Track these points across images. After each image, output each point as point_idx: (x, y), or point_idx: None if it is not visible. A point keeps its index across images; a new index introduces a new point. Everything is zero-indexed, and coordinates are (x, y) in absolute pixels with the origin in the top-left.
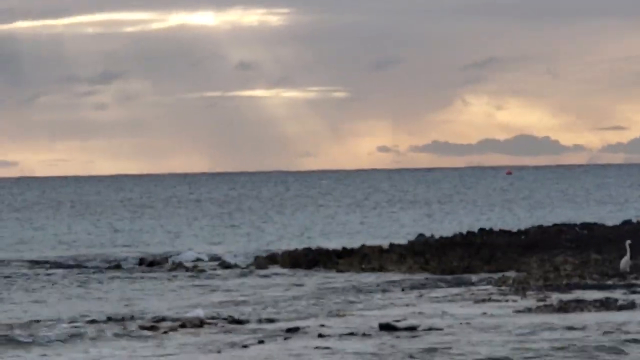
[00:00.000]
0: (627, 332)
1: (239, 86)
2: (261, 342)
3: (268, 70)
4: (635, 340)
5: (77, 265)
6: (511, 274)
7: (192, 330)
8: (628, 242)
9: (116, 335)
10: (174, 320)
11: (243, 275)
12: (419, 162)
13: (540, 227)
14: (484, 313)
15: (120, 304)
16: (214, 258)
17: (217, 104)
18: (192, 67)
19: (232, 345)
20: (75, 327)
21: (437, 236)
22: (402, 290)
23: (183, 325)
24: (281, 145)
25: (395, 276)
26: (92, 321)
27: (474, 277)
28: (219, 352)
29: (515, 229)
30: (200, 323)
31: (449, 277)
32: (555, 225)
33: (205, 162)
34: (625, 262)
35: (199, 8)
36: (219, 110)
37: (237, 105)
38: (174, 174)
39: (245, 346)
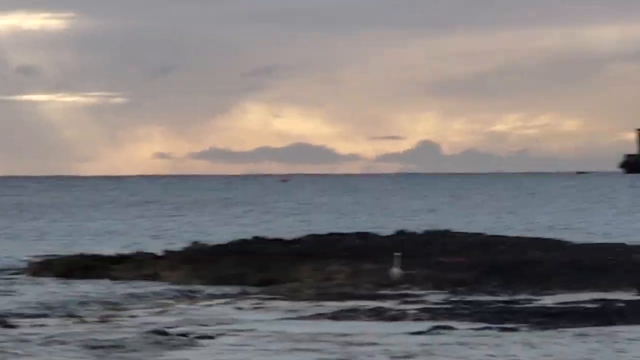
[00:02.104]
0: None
1: (18, 90)
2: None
3: (48, 75)
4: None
5: None
6: (285, 282)
7: None
8: (397, 254)
9: None
10: None
11: (14, 281)
12: (196, 169)
13: (314, 235)
14: (257, 320)
15: None
16: None
17: None
18: None
19: None
20: None
21: (211, 243)
22: (175, 297)
23: None
24: (60, 150)
25: (169, 284)
26: None
27: (247, 286)
28: None
29: (289, 237)
30: None
31: (222, 284)
32: (330, 234)
33: None
34: (394, 273)
35: None
36: None
37: (16, 109)
38: None
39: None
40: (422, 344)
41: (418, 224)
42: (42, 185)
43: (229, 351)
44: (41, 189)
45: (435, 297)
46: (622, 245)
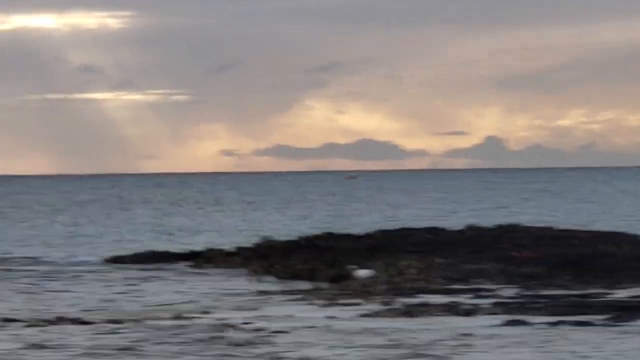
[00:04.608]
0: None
1: (81, 89)
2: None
3: (109, 73)
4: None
5: None
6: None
7: None
8: (353, 267)
9: None
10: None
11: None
12: (261, 166)
13: (384, 231)
14: (330, 317)
15: None
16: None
17: (59, 106)
18: (34, 70)
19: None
20: None
21: (282, 239)
22: (248, 293)
23: None
24: (123, 147)
25: (241, 279)
26: None
27: (318, 281)
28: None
29: (359, 233)
30: None
31: (293, 280)
32: (399, 229)
33: (47, 164)
34: (360, 275)
35: (40, 10)
36: (61, 112)
37: (79, 107)
38: (14, 176)
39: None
40: (497, 338)
41: (488, 218)
42: (103, 183)
43: (305, 347)
44: (102, 187)
45: (508, 292)
46: None
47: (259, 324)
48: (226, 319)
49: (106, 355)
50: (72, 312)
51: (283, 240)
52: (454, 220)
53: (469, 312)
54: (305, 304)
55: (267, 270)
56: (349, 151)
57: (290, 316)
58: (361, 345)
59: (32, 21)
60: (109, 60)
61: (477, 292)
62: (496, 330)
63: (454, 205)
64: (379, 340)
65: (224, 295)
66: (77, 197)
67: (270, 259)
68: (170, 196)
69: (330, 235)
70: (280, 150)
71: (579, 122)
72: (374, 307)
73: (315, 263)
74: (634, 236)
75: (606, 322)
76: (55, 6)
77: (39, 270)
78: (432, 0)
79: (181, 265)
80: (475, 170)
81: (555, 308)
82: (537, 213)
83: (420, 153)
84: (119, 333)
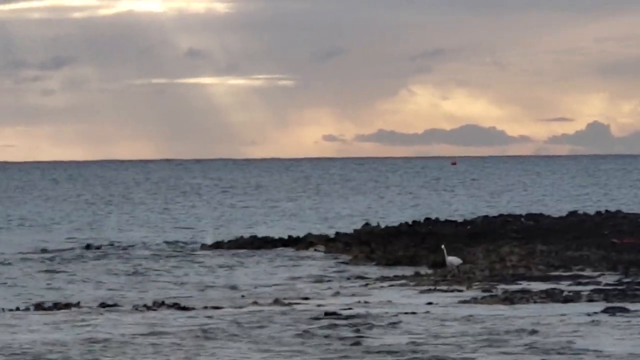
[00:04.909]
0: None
1: (186, 73)
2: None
3: (215, 58)
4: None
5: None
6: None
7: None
8: (443, 245)
9: None
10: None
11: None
12: (365, 151)
13: (486, 217)
14: (430, 303)
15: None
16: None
17: (164, 90)
18: (140, 54)
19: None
20: None
21: (382, 225)
22: (348, 279)
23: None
24: (227, 133)
25: (342, 265)
26: None
27: (419, 267)
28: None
29: (461, 219)
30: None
31: (394, 266)
32: (501, 215)
33: (152, 149)
34: (452, 262)
35: None
36: (166, 97)
37: (184, 92)
38: (119, 161)
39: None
40: (595, 325)
41: (590, 205)
42: (207, 168)
43: (405, 333)
44: (205, 172)
45: (608, 279)
46: None
47: (359, 310)
48: (327, 304)
49: (216, 339)
50: (171, 298)
51: (384, 227)
52: (556, 206)
53: (569, 299)
54: (406, 290)
55: (368, 256)
56: (452, 137)
57: (391, 302)
58: (460, 332)
59: (137, 5)
60: (215, 45)
61: (577, 279)
62: (595, 317)
63: (556, 192)
64: (478, 327)
65: (325, 281)
66: (180, 183)
67: (371, 245)
68: (272, 181)
69: (431, 222)
70: (384, 136)
71: None
72: (474, 293)
73: (417, 249)
74: None
75: None
76: None
77: (137, 255)
78: None
79: (282, 251)
80: (578, 157)
81: None
82: (639, 200)
83: (524, 139)
84: (220, 319)
